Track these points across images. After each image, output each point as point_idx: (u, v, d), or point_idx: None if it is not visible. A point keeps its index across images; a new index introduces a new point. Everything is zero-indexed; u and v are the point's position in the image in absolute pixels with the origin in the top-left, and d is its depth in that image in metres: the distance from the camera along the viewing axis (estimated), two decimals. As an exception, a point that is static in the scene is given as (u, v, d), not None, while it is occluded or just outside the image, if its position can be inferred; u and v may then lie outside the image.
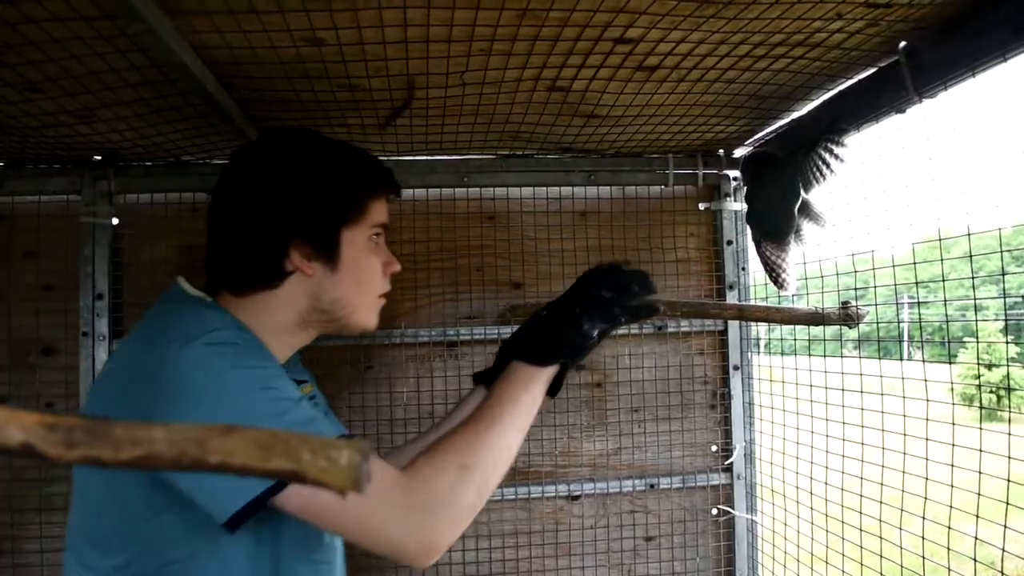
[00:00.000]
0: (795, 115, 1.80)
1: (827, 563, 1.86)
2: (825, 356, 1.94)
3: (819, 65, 1.47)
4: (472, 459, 1.02)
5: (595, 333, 1.17)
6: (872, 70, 1.51)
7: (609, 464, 2.18)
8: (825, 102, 1.69)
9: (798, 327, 2.06)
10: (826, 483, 1.83)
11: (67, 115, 1.55)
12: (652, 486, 2.16)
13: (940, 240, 1.45)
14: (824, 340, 1.96)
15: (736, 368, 2.18)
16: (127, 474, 0.97)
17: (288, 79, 1.38)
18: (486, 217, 2.16)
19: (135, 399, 0.96)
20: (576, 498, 2.16)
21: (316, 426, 1.01)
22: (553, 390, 1.20)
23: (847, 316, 1.75)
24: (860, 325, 1.52)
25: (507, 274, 2.17)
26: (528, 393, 1.13)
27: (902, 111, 1.48)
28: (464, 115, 1.65)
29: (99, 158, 2.04)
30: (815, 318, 1.77)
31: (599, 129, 1.82)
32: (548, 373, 1.16)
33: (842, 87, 1.61)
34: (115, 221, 2.08)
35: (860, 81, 1.56)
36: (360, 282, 1.16)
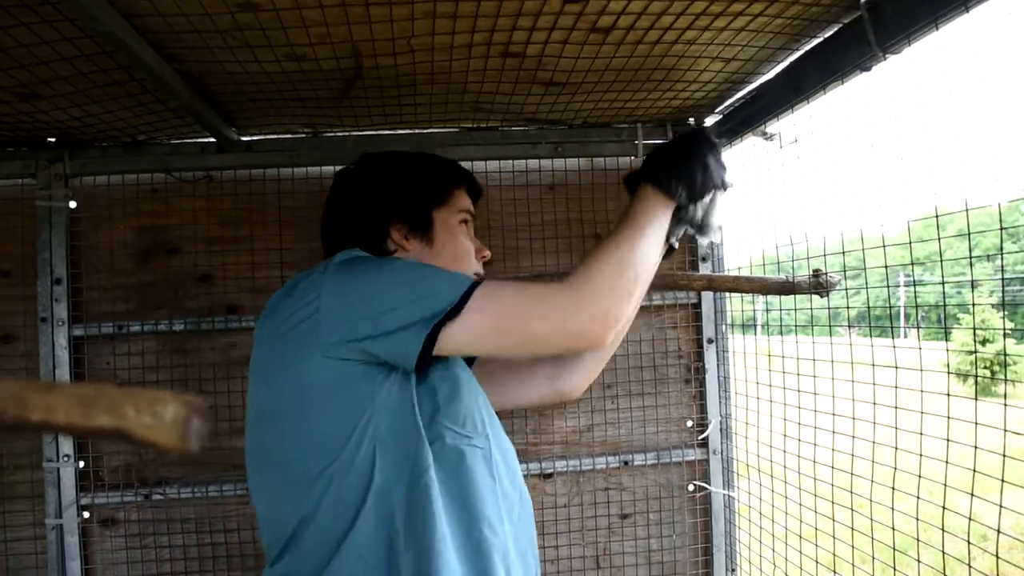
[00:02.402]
0: (762, 79, 1.79)
1: (805, 539, 1.87)
2: (806, 333, 1.94)
3: (780, 23, 1.46)
4: (621, 253, 1.18)
5: (712, 185, 1.29)
6: (836, 27, 1.50)
7: (582, 441, 2.19)
8: (791, 64, 1.69)
9: (791, 303, 2.03)
10: (814, 461, 1.83)
11: (3, 91, 1.54)
12: (626, 463, 2.17)
13: (936, 217, 1.43)
14: (811, 317, 1.96)
15: (710, 342, 2.18)
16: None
17: (230, 49, 1.36)
18: (446, 192, 2.15)
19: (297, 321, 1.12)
20: (549, 476, 2.17)
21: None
22: (669, 250, 1.37)
23: (818, 284, 1.76)
24: (853, 306, 1.54)
25: (475, 250, 2.16)
26: (657, 212, 1.25)
27: (867, 69, 1.48)
28: (420, 84, 1.64)
29: (53, 140, 2.02)
30: (786, 287, 1.77)
31: (561, 97, 1.81)
32: (666, 202, 1.26)
33: (807, 47, 1.61)
34: (72, 204, 2.07)
35: (825, 40, 1.56)
36: (457, 258, 1.34)
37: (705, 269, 2.16)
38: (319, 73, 1.51)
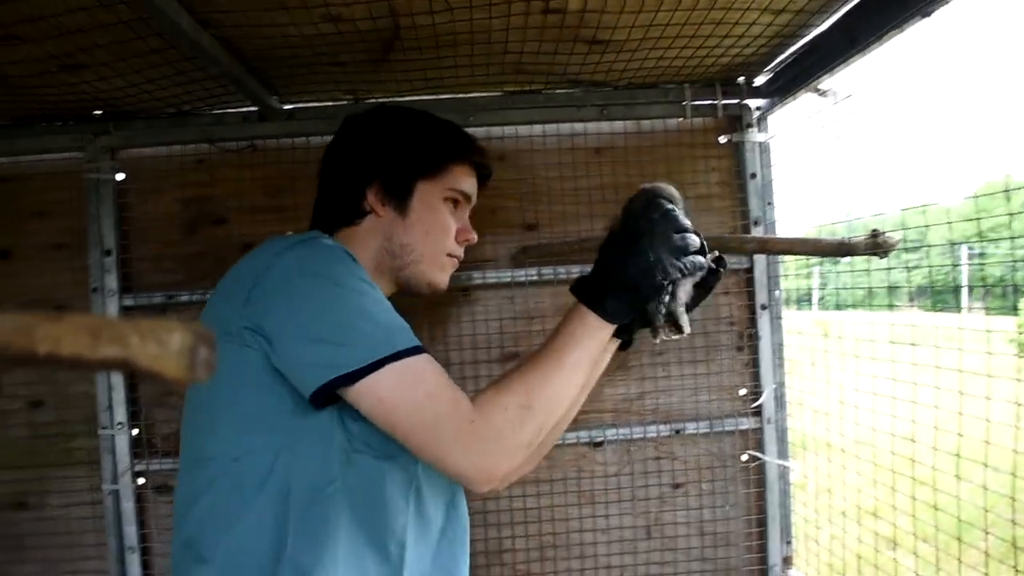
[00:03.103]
0: (815, 31, 1.73)
1: (863, 510, 1.84)
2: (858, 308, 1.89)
3: (833, -30, 1.41)
4: (530, 400, 1.09)
5: (665, 283, 1.14)
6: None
7: (632, 409, 2.18)
8: (846, 13, 1.63)
9: (849, 274, 1.99)
10: (874, 429, 1.79)
11: (51, 62, 1.57)
12: (678, 431, 2.15)
13: (1008, 191, 1.38)
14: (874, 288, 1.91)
15: (764, 308, 2.14)
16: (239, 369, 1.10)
17: (266, 12, 1.37)
18: (495, 157, 2.12)
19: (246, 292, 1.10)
20: (599, 444, 2.16)
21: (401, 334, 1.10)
22: (624, 344, 1.26)
23: (876, 245, 1.71)
24: (916, 277, 1.49)
25: (520, 215, 2.15)
26: (590, 339, 1.14)
27: (927, 14, 1.42)
28: (459, 45, 1.63)
29: (99, 113, 2.07)
30: (842, 248, 1.72)
31: (605, 57, 1.78)
32: (600, 324, 1.15)
33: (862, -4, 1.55)
34: (119, 176, 2.12)
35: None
36: (429, 233, 1.28)
37: (758, 233, 2.12)
38: (356, 35, 1.51)
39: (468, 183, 1.33)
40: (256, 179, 2.12)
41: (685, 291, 1.19)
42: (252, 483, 1.10)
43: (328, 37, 1.52)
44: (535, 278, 2.13)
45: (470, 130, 2.04)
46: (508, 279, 2.12)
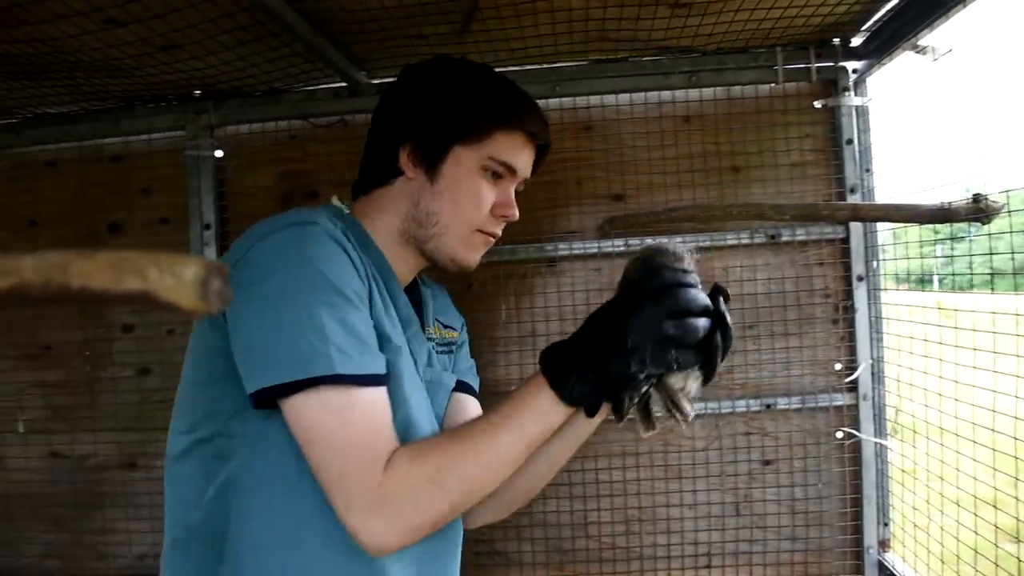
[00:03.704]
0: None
1: (980, 501, 1.77)
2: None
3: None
4: (444, 478, 0.99)
5: (642, 376, 0.96)
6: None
7: (722, 383, 2.16)
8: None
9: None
10: (993, 411, 1.71)
11: (147, 44, 1.67)
12: (769, 406, 2.12)
13: None
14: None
15: (860, 279, 2.09)
16: (203, 342, 1.08)
17: (348, -18, 1.42)
18: (582, 128, 2.16)
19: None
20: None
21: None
22: (591, 410, 1.05)
23: (978, 210, 1.65)
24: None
25: (607, 186, 2.16)
26: (538, 419, 1.02)
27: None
28: (539, 14, 1.65)
29: (199, 93, 2.18)
30: (940, 214, 1.67)
31: (691, 20, 1.76)
32: (557, 405, 1.01)
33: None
34: (218, 153, 2.23)
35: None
36: (457, 203, 1.15)
37: (854, 200, 2.06)
38: (436, 6, 1.55)
39: (514, 155, 1.16)
40: (347, 153, 2.19)
41: (686, 378, 1.00)
42: (220, 465, 1.07)
43: (410, 8, 1.56)
44: (622, 249, 2.13)
45: (555, 101, 2.11)
46: (595, 250, 2.14)
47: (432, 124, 1.15)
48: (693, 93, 2.12)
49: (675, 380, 1.00)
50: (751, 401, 2.13)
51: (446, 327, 1.34)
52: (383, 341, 1.08)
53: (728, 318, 0.97)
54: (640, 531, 2.17)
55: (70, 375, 2.32)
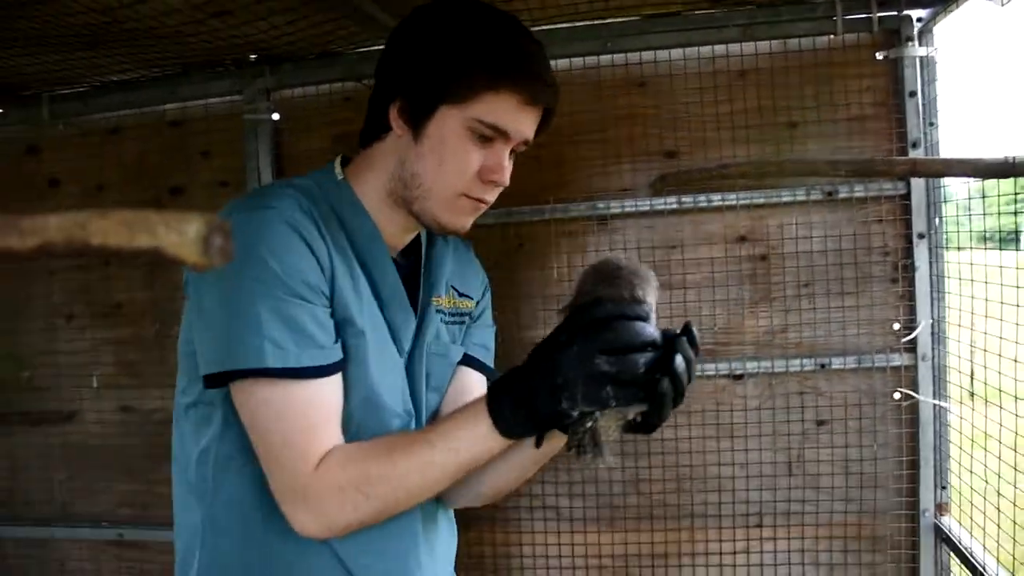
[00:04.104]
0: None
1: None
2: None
3: None
4: (371, 489, 1.02)
5: (575, 414, 0.94)
6: None
7: (775, 342, 2.15)
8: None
9: None
10: None
11: (198, 11, 1.72)
12: (823, 366, 2.10)
13: None
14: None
15: (921, 236, 2.04)
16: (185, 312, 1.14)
17: (395, -57, 1.43)
18: (634, 84, 2.14)
19: None
20: (739, 377, 2.15)
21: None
22: (536, 441, 1.03)
23: (1045, 164, 1.59)
24: None
25: (659, 143, 2.15)
26: (471, 443, 1.01)
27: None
28: (590, -32, 1.63)
29: (254, 57, 2.23)
30: (1004, 168, 1.62)
31: (744, -29, 1.73)
32: (492, 434, 1.00)
33: None
34: (275, 116, 2.28)
35: None
36: (441, 166, 1.09)
37: (917, 155, 2.00)
38: (485, -38, 1.54)
39: (504, 117, 1.07)
40: (399, 114, 2.22)
41: (626, 415, 0.96)
42: (203, 431, 1.13)
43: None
44: (675, 206, 2.12)
45: (606, 57, 2.10)
46: (647, 207, 2.13)
47: (420, 81, 1.08)
48: (748, 47, 2.07)
49: (613, 416, 0.96)
50: (805, 360, 2.11)
51: (461, 295, 1.30)
52: (344, 325, 1.09)
53: (680, 359, 0.90)
54: (691, 489, 2.18)
55: (139, 332, 2.43)
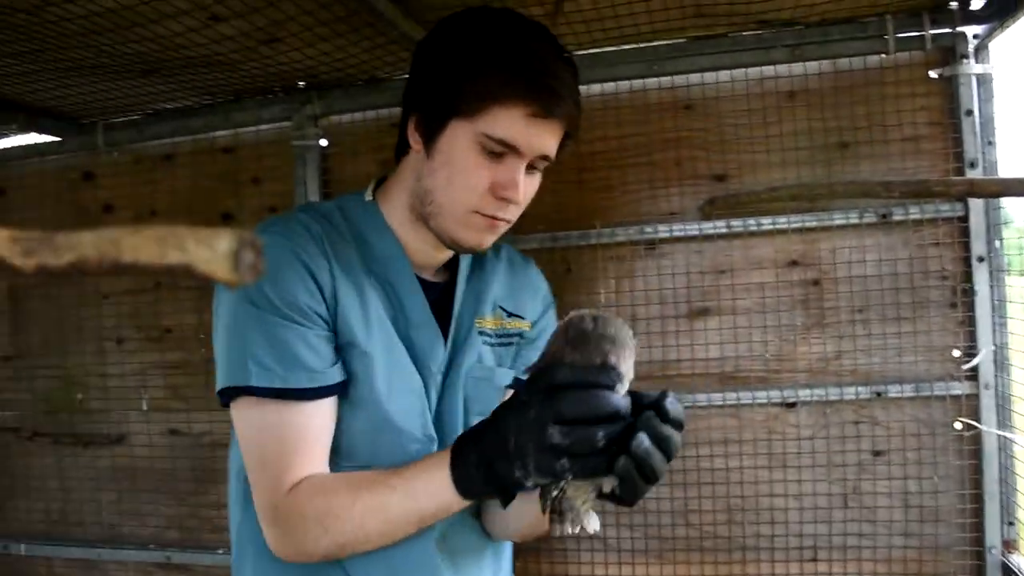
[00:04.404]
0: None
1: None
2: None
3: None
4: (333, 526, 1.02)
5: (528, 484, 0.90)
6: None
7: (829, 369, 2.09)
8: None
9: None
10: None
11: (249, 38, 1.76)
12: (879, 394, 2.04)
13: None
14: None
15: (981, 260, 1.97)
16: None
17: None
18: (681, 107, 2.13)
19: None
20: (792, 405, 2.10)
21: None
22: (503, 502, 0.98)
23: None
24: None
25: (707, 166, 2.12)
26: (428, 497, 0.99)
27: None
28: (635, -10, 1.63)
29: (303, 84, 2.27)
30: (1068, 187, 1.57)
31: (793, -10, 1.71)
32: (452, 492, 0.98)
33: None
34: (323, 142, 2.32)
35: None
36: (451, 182, 1.06)
37: (974, 176, 1.95)
38: (527, -14, 1.56)
39: (513, 130, 1.03)
40: (445, 139, 2.23)
41: (595, 487, 0.90)
42: (233, 449, 1.17)
43: (502, -8, 1.57)
44: (724, 230, 2.09)
45: (652, 80, 2.09)
46: (696, 232, 2.10)
47: (432, 94, 1.07)
48: (797, 68, 2.05)
49: (583, 485, 0.89)
50: (860, 388, 2.04)
51: (511, 315, 1.25)
52: (348, 348, 1.08)
53: (644, 437, 0.83)
54: (743, 520, 2.12)
55: (188, 356, 2.46)
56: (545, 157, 1.08)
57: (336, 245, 1.10)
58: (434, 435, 1.14)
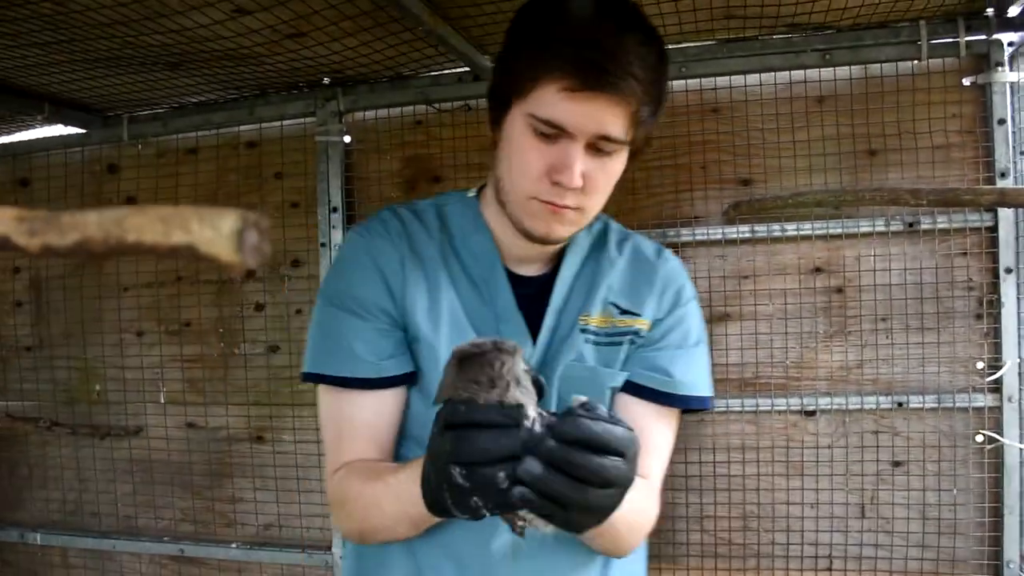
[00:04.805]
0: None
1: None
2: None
3: None
4: (351, 513, 1.08)
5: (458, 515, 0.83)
6: None
7: (850, 378, 2.07)
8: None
9: None
10: None
11: (275, 32, 1.76)
12: (900, 404, 2.02)
13: None
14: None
15: (1009, 271, 1.95)
16: None
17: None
18: (708, 110, 2.11)
19: None
20: (811, 413, 2.08)
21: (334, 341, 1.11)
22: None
23: None
24: None
25: (733, 170, 2.11)
26: (412, 505, 0.91)
27: None
28: (665, -9, 1.62)
29: (327, 80, 2.26)
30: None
31: (826, -6, 1.69)
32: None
33: None
34: (347, 139, 2.31)
35: None
36: (511, 168, 1.03)
37: (1006, 184, 1.92)
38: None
39: (553, 108, 0.96)
40: (471, 138, 2.23)
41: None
42: None
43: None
44: (748, 235, 2.08)
45: (679, 82, 2.07)
46: (719, 236, 2.09)
47: (493, 79, 1.06)
48: (827, 72, 2.03)
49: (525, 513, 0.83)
50: (881, 398, 2.02)
51: (624, 313, 1.16)
52: (415, 343, 1.09)
53: (532, 463, 0.76)
54: (758, 528, 2.11)
55: (206, 351, 2.47)
56: (608, 138, 0.97)
57: (416, 242, 1.12)
58: None
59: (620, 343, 1.14)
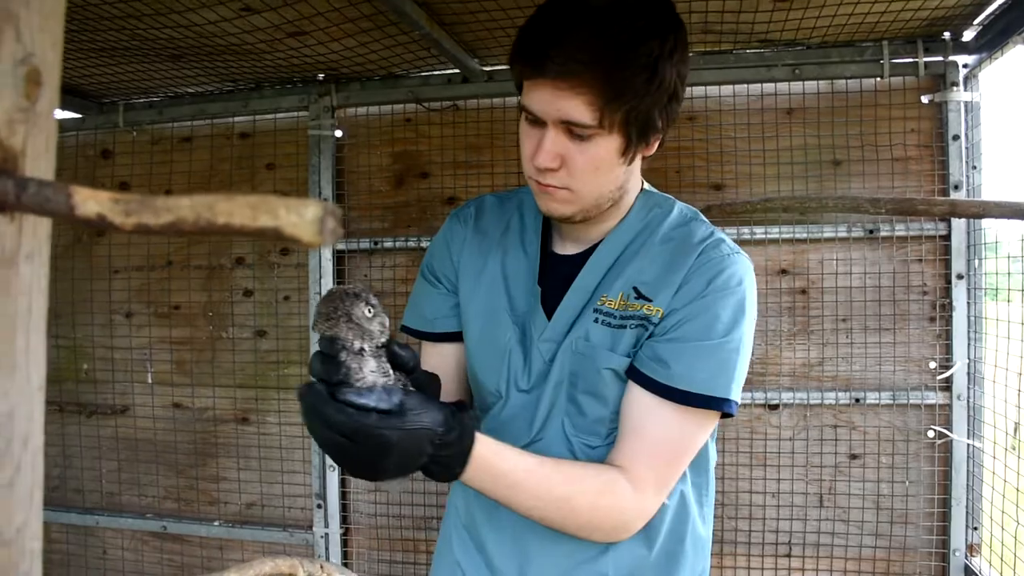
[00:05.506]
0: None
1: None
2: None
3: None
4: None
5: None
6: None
7: (811, 375, 2.20)
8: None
9: None
10: None
11: (278, 30, 1.85)
12: (858, 400, 2.15)
13: None
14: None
15: (960, 277, 2.09)
16: None
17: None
18: (685, 118, 2.23)
19: None
20: (775, 407, 2.20)
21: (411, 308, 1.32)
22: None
23: (1085, 209, 1.65)
24: None
25: (706, 175, 2.23)
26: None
27: None
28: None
29: (322, 77, 2.36)
30: (1044, 210, 1.68)
31: (793, 13, 1.82)
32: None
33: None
34: (338, 133, 2.41)
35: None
36: (524, 159, 1.09)
37: (958, 197, 2.06)
38: (545, -2, 1.65)
39: (528, 96, 1.03)
40: (458, 136, 2.33)
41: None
42: None
43: (520, 0, 1.67)
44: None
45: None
46: (690, 238, 2.20)
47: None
48: (796, 86, 2.16)
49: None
50: (840, 394, 2.16)
51: (640, 297, 1.14)
52: (461, 306, 1.27)
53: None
54: (722, 515, 2.23)
55: (194, 333, 2.54)
56: (572, 122, 1.00)
57: (485, 222, 1.28)
58: (503, 394, 1.20)
59: (626, 326, 1.13)
